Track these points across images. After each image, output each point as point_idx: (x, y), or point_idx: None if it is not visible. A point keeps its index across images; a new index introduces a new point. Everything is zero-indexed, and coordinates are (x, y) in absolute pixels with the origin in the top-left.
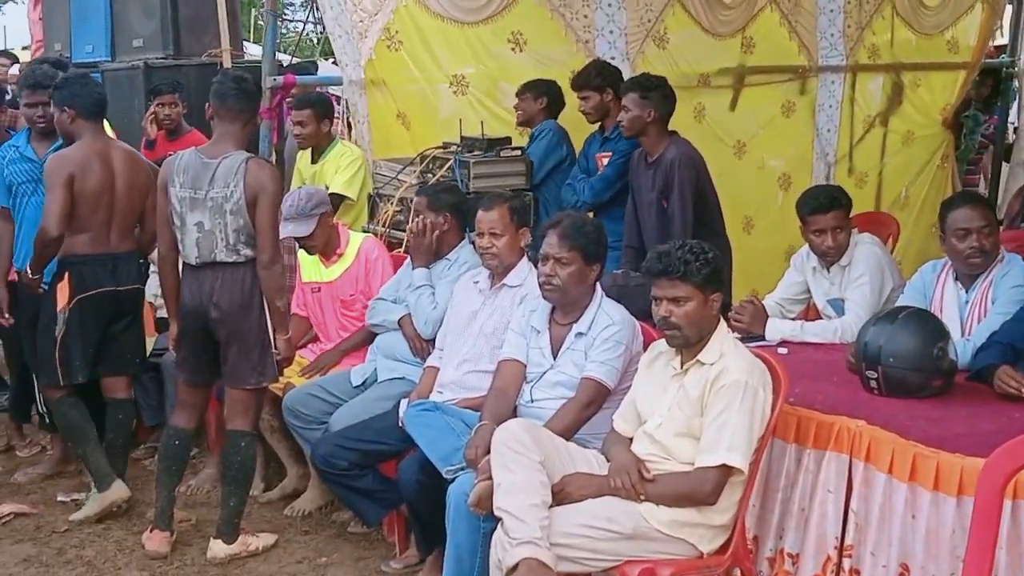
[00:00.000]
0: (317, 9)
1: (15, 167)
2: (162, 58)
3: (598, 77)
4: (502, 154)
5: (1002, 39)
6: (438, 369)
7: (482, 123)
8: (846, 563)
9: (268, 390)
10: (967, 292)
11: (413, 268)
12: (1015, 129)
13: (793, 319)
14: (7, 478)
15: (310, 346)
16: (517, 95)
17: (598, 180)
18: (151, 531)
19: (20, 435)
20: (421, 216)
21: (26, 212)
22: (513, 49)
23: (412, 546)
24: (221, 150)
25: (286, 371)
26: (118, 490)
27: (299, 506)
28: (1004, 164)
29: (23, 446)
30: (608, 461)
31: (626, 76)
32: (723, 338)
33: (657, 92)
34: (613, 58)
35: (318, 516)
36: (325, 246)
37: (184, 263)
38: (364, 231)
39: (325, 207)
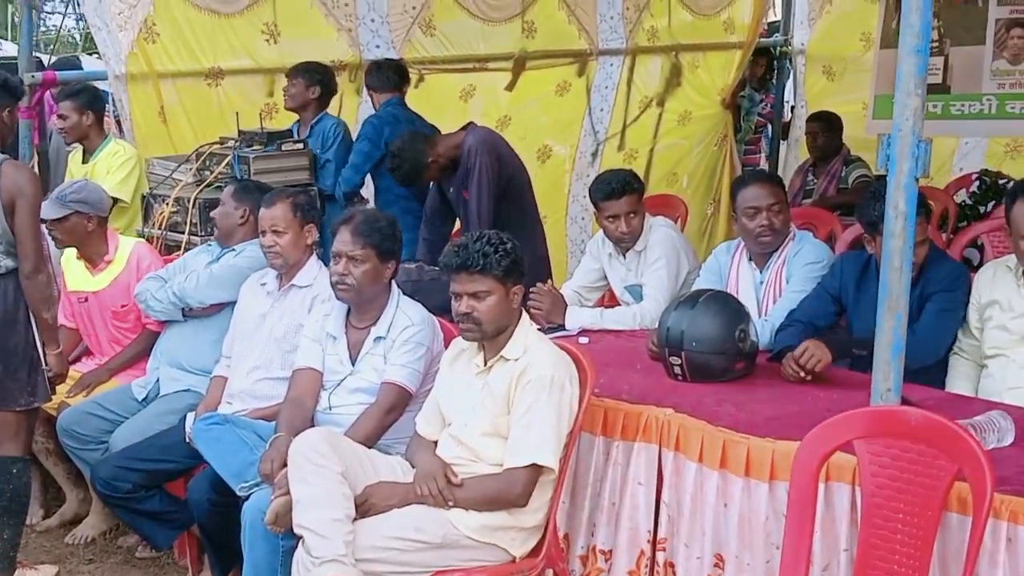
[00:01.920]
0: (78, 3)
1: None
2: None
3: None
4: (283, 148)
5: (774, 17)
6: (226, 379)
7: (260, 115)
8: (660, 556)
9: (40, 410)
10: (761, 272)
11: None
12: (791, 108)
13: (592, 307)
14: None
15: (84, 359)
16: (287, 76)
17: (349, 167)
18: None
19: None
20: (223, 206)
21: None
22: (268, 40)
23: (206, 569)
24: None
25: (59, 389)
26: None
27: (81, 532)
28: (782, 143)
29: None
30: (413, 467)
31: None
32: (526, 332)
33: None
34: (378, 47)
35: (102, 542)
36: (91, 251)
37: None
38: (139, 234)
39: (87, 207)
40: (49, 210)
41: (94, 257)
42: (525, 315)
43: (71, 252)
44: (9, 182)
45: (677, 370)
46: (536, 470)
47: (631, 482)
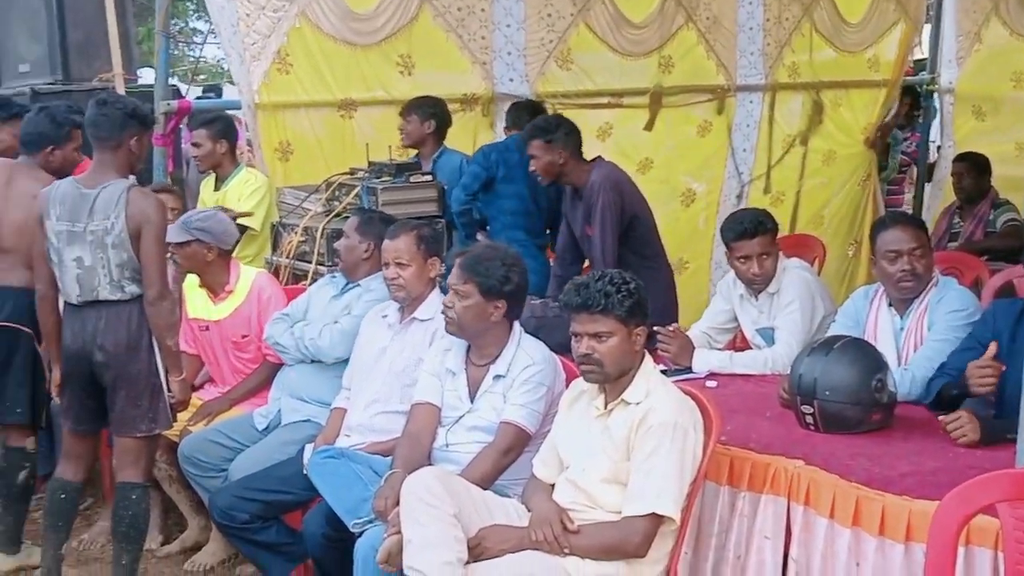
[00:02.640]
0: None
1: None
2: (50, 83)
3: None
4: (412, 179)
5: (921, 55)
6: (345, 410)
7: (390, 147)
8: None
9: (163, 436)
10: (902, 318)
11: None
12: (937, 148)
13: (720, 349)
14: None
15: (207, 386)
16: (401, 115)
17: (458, 187)
18: None
19: None
20: (347, 238)
21: None
22: (402, 72)
23: None
24: (99, 179)
25: (181, 416)
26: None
27: (200, 560)
28: (927, 184)
29: None
30: (529, 511)
31: (528, 96)
32: (649, 375)
33: (559, 131)
34: (512, 79)
35: (221, 570)
36: (211, 280)
37: (64, 302)
38: (267, 263)
39: (209, 237)
40: (172, 234)
41: (215, 286)
42: (648, 357)
43: (194, 279)
44: (136, 210)
45: (809, 419)
46: (656, 520)
47: (757, 535)
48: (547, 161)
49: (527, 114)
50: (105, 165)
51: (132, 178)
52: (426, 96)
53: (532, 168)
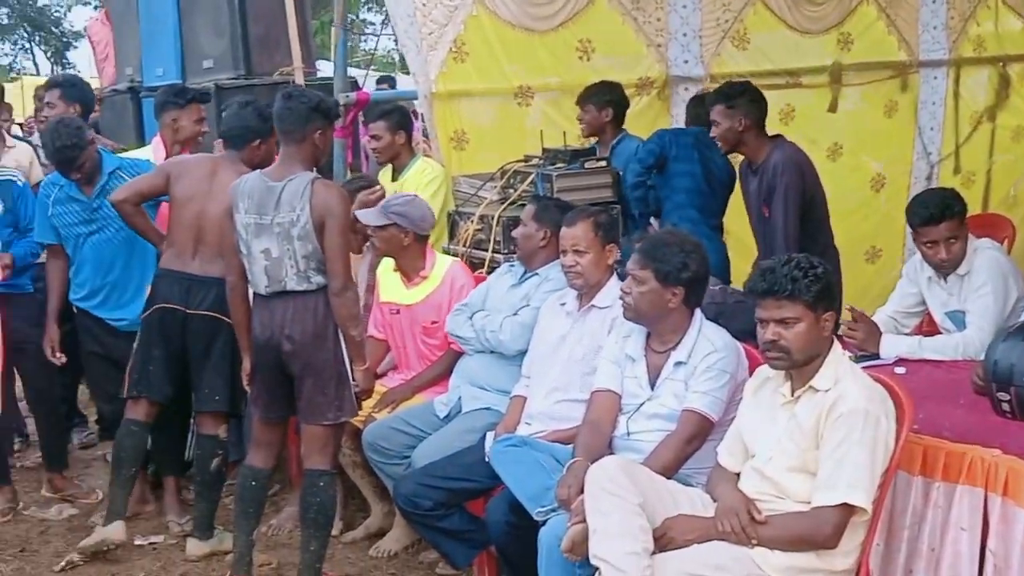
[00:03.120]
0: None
1: (62, 208)
2: (233, 78)
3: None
4: (586, 166)
5: None
6: (525, 398)
7: (564, 134)
8: None
9: (348, 424)
10: None
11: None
12: None
13: (908, 334)
14: (83, 520)
15: (390, 374)
16: (578, 103)
17: (633, 162)
18: None
19: None
20: (524, 227)
21: (84, 251)
22: (581, 57)
23: None
24: (285, 172)
25: (365, 403)
26: (114, 531)
27: (384, 547)
28: None
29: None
30: (714, 501)
31: (702, 78)
32: (837, 361)
33: (743, 99)
34: (687, 61)
35: (404, 557)
36: (407, 265)
37: (254, 293)
38: (444, 251)
39: (406, 222)
40: (371, 217)
41: (410, 271)
42: (836, 343)
43: (388, 264)
44: (320, 201)
45: (1005, 407)
46: (847, 510)
47: (953, 527)
48: (727, 127)
49: (706, 106)
50: (291, 158)
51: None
52: (602, 83)
53: (712, 134)
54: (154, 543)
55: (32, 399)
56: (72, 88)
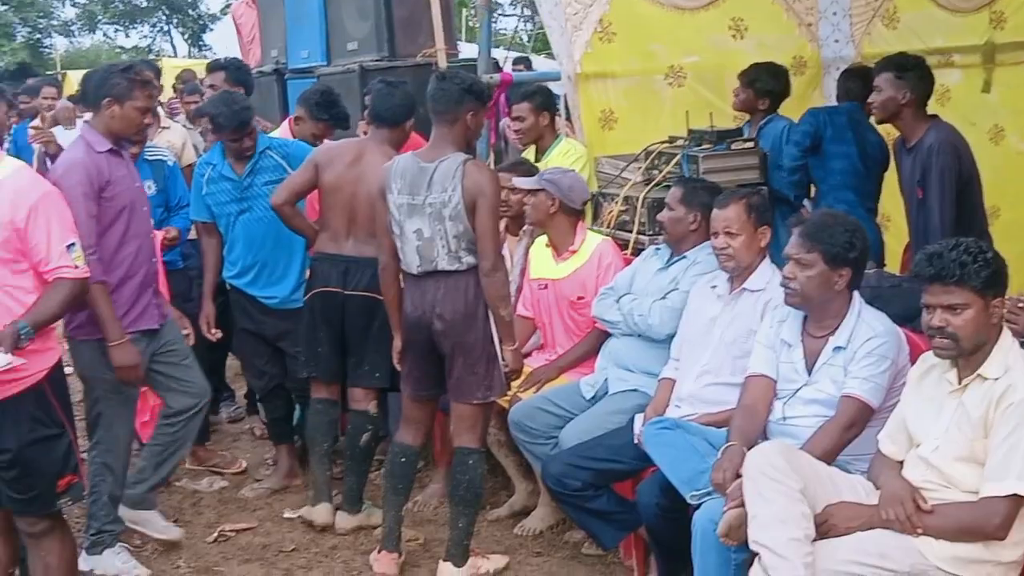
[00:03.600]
0: (526, 5)
1: (215, 187)
2: (377, 60)
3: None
4: (733, 147)
5: None
6: (674, 381)
7: (711, 115)
8: None
9: (495, 403)
10: None
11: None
12: None
13: None
14: (234, 492)
15: (535, 353)
16: (739, 78)
17: (789, 145)
18: (379, 552)
19: None
20: (672, 211)
21: (236, 230)
22: (734, 36)
23: (652, 570)
24: (437, 153)
25: (512, 383)
26: (320, 513)
27: (530, 525)
28: None
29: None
30: (877, 489)
31: (852, 58)
32: (1007, 349)
33: (913, 72)
34: (837, 41)
35: (550, 536)
36: (557, 238)
37: (406, 273)
38: None
39: (555, 189)
40: (525, 181)
41: (559, 245)
42: (1006, 331)
43: (540, 241)
44: (471, 182)
45: None
46: (1017, 501)
47: None
48: (889, 96)
49: (859, 80)
50: (443, 139)
51: None
52: (769, 68)
53: (871, 100)
54: (303, 517)
55: None
56: (237, 71)
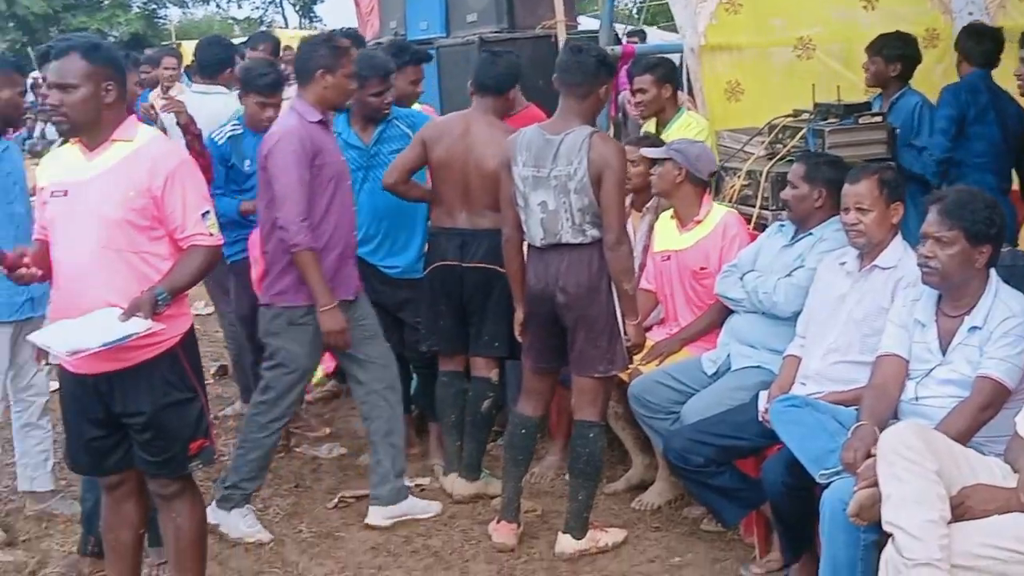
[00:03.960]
0: None
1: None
2: (496, 32)
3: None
4: (860, 121)
5: None
6: (799, 358)
7: (838, 88)
8: None
9: (616, 377)
10: None
11: None
12: None
13: None
14: (353, 459)
15: (655, 328)
16: (868, 51)
17: (937, 133)
18: (498, 522)
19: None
20: (795, 188)
21: (360, 198)
22: (864, 7)
23: (774, 549)
24: (564, 126)
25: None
26: (451, 482)
27: (648, 500)
28: None
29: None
30: (1015, 472)
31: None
32: None
33: None
34: (971, 13)
35: (668, 511)
36: (682, 208)
37: (529, 245)
38: None
39: (682, 159)
40: (652, 150)
41: (684, 216)
42: None
43: (665, 214)
44: (598, 155)
45: None
46: None
47: None
48: None
49: (991, 43)
50: (571, 112)
51: None
52: (896, 35)
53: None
54: (420, 484)
55: None
56: (357, 42)
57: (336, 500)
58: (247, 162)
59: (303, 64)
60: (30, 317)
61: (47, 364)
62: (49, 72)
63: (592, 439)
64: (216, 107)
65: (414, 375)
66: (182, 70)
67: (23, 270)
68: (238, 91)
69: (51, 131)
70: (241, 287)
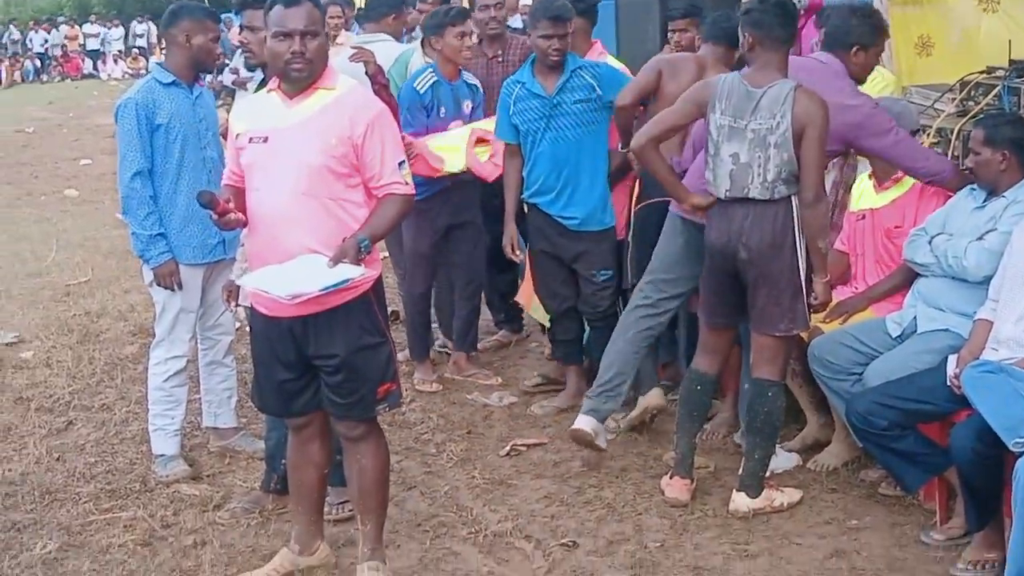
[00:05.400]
0: None
1: (523, 105)
2: None
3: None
4: None
5: None
6: (991, 323)
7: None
8: None
9: (796, 335)
10: None
11: None
12: None
13: None
14: (523, 408)
15: (839, 287)
16: None
17: None
18: (671, 477)
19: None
20: (977, 155)
21: (542, 147)
22: None
23: (955, 516)
24: (766, 78)
25: (814, 315)
26: (654, 397)
27: (823, 461)
28: None
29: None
30: None
31: None
32: None
33: None
34: None
35: (844, 473)
36: (881, 169)
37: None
38: None
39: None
40: None
41: (882, 175)
42: None
43: (864, 173)
44: (802, 110)
45: None
46: None
47: None
48: None
49: None
50: (770, 64)
51: None
52: None
53: None
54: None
55: (460, 280)
56: None
57: (508, 448)
58: (442, 109)
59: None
60: (221, 259)
61: (237, 305)
62: (285, 19)
63: (771, 398)
64: (379, 53)
65: (587, 328)
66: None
67: (231, 215)
68: (414, 37)
69: (226, 77)
70: (417, 226)
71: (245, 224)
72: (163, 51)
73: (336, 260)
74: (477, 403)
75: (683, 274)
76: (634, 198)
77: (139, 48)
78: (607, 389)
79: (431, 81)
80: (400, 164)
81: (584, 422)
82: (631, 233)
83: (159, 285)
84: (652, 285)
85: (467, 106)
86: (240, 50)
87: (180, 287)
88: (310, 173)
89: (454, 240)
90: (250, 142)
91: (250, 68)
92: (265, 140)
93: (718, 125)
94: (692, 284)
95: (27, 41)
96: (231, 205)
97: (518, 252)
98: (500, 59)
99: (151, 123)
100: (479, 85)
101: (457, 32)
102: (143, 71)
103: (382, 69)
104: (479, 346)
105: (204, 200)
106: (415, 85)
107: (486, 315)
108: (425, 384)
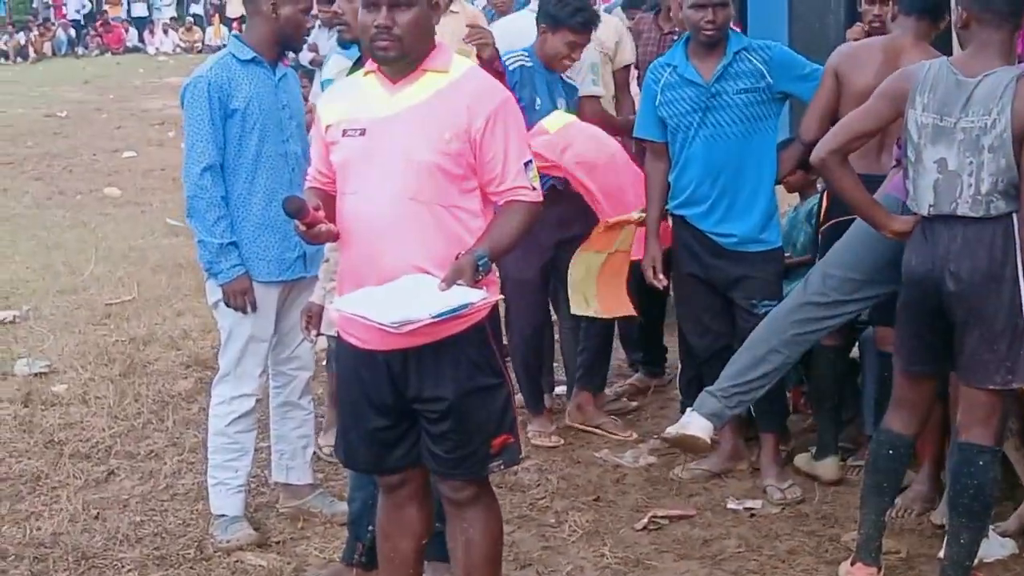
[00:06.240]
0: None
1: (673, 94)
2: None
3: None
4: None
5: None
6: None
7: None
8: None
9: (1018, 392)
10: None
11: None
12: None
13: None
14: (664, 471)
15: None
16: None
17: None
18: (852, 564)
19: None
20: None
21: (694, 147)
22: None
23: None
24: (982, 65)
25: None
26: (830, 468)
27: None
28: None
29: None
30: None
31: None
32: None
33: None
34: None
35: None
36: None
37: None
38: None
39: None
40: None
41: None
42: None
43: None
44: (1023, 105)
45: None
46: None
47: None
48: None
49: None
50: (989, 47)
51: None
52: None
53: None
54: (751, 509)
55: None
56: None
57: (646, 520)
58: (537, 100)
59: None
60: (301, 277)
61: (318, 335)
62: None
63: (982, 467)
64: (507, 32)
65: None
66: None
67: (322, 226)
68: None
69: (303, 56)
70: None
71: (337, 237)
72: (223, 22)
73: (450, 281)
74: (607, 463)
75: (881, 279)
76: (821, 214)
77: (194, 16)
78: (742, 391)
79: (522, 63)
80: (527, 164)
81: (700, 428)
82: (817, 256)
83: (227, 306)
84: (835, 280)
85: (560, 104)
86: (319, 23)
87: (254, 308)
88: (418, 173)
89: (565, 259)
90: (344, 136)
91: (343, 45)
92: (362, 133)
93: (920, 124)
94: (885, 292)
95: (62, 5)
96: (321, 214)
97: (661, 277)
98: None
99: (225, 108)
100: (578, 87)
101: (570, 41)
102: (198, 45)
103: (499, 54)
104: (609, 391)
105: (293, 208)
106: (505, 60)
107: (619, 354)
108: (542, 437)
